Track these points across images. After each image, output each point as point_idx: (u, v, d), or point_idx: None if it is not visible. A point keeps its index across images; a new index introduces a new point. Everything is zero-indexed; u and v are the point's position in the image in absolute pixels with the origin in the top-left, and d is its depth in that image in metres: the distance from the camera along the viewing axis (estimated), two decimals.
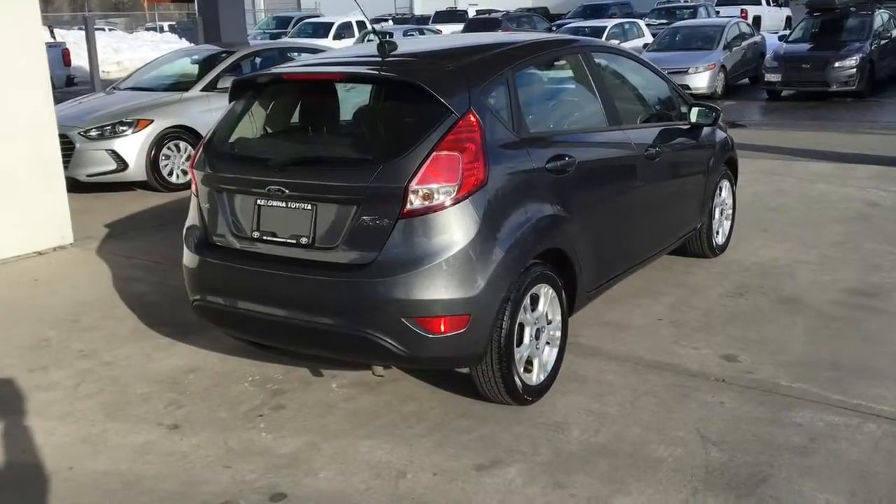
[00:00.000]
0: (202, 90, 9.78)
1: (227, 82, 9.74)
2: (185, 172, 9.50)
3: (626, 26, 20.54)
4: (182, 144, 9.46)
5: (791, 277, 5.71)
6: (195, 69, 10.75)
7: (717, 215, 6.02)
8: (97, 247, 7.17)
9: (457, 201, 3.55)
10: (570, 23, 24.74)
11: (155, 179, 9.26)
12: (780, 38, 18.59)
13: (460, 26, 26.49)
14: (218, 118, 4.29)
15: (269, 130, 4.24)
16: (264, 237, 3.86)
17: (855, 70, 15.96)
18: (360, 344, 3.64)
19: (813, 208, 7.62)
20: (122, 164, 9.08)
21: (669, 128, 5.25)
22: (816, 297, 5.31)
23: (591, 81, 4.61)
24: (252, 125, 4.22)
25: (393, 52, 3.98)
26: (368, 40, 22.51)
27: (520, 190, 3.82)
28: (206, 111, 9.63)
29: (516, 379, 3.83)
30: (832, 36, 17.35)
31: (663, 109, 5.36)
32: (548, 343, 4.07)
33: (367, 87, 4.04)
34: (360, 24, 24.94)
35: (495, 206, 3.66)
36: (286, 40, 19.01)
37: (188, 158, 9.52)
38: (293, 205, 3.77)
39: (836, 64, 16.05)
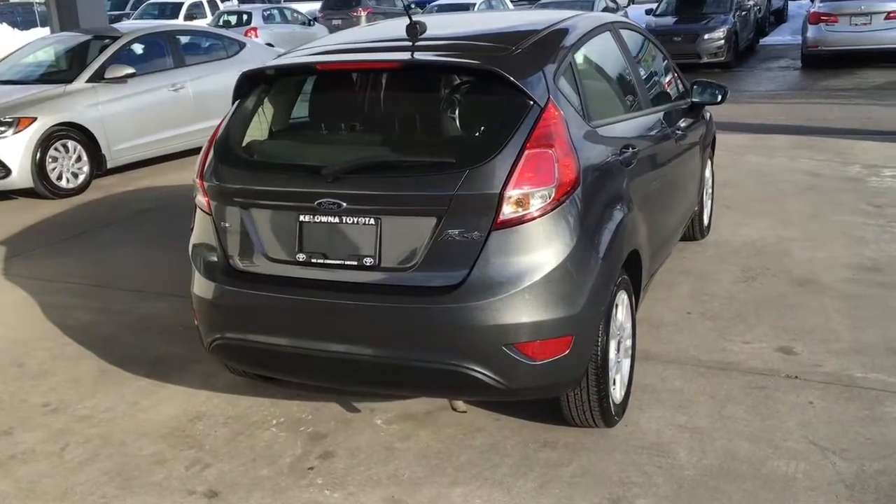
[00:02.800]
0: (88, 81, 8.67)
1: (115, 71, 8.77)
2: (75, 175, 8.40)
3: (493, 2, 20.35)
4: (71, 144, 8.36)
5: (788, 257, 5.59)
6: (68, 58, 9.57)
7: (703, 195, 5.82)
8: (2, 270, 6.14)
9: (553, 206, 3.07)
10: None
11: (43, 186, 8.13)
12: (648, 13, 18.93)
13: (317, 4, 25.50)
14: (226, 119, 3.58)
15: (305, 133, 3.59)
16: (312, 259, 3.24)
17: (723, 42, 16.47)
18: (449, 379, 3.11)
19: (762, 182, 7.60)
20: (4, 171, 7.91)
21: (681, 107, 4.96)
22: (827, 277, 5.19)
23: (625, 62, 4.23)
24: (277, 127, 3.55)
25: (424, 35, 3.44)
26: (225, 21, 21.20)
27: (604, 188, 3.38)
28: (94, 105, 8.60)
29: (610, 398, 3.42)
30: (695, 9, 17.87)
31: (673, 88, 5.06)
32: (623, 354, 3.68)
33: (421, 77, 3.45)
34: (212, 4, 23.45)
35: (588, 208, 3.21)
36: (173, 23, 17.53)
37: (78, 160, 8.43)
38: (350, 220, 3.16)
39: (706, 36, 16.50)
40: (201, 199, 3.50)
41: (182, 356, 4.53)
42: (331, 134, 3.54)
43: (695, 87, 5.12)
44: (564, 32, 3.70)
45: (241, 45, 10.35)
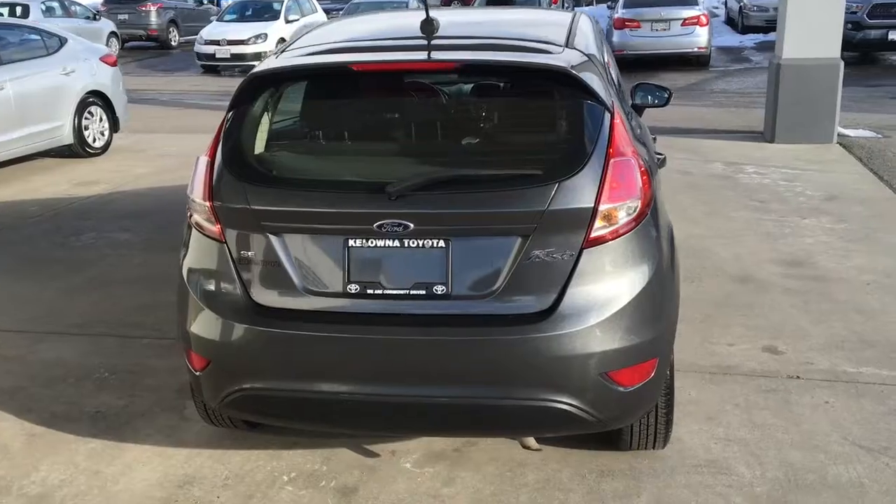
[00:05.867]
0: None
1: None
2: None
3: (301, 1, 19.72)
4: None
5: (714, 255, 5.70)
6: None
7: None
8: None
9: (639, 219, 2.83)
10: None
11: None
12: None
13: None
14: (228, 129, 2.98)
15: (346, 144, 3.06)
16: (367, 290, 2.78)
17: None
18: (537, 415, 2.79)
19: None
20: None
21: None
22: (761, 273, 5.34)
23: (614, 62, 4.06)
24: (307, 138, 3.03)
25: (441, 34, 3.06)
26: None
27: (659, 198, 3.19)
28: None
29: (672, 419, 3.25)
30: None
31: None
32: None
33: (479, 79, 3.05)
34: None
35: (660, 220, 3.01)
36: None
37: None
38: (414, 243, 2.75)
39: None
40: (208, 225, 2.91)
41: (124, 407, 3.84)
42: (379, 145, 3.05)
43: (638, 89, 5.06)
44: (585, 32, 3.46)
45: (63, 41, 9.18)
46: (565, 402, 2.75)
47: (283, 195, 2.82)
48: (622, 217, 2.78)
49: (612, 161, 2.78)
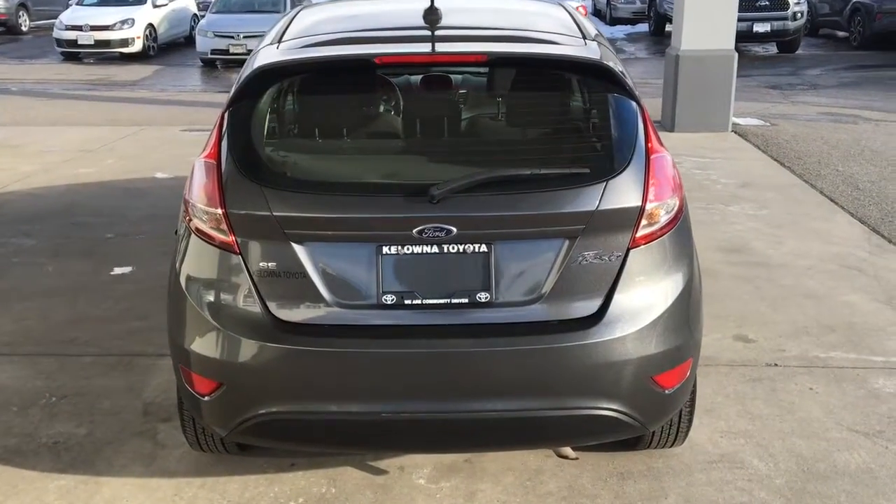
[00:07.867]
0: None
1: None
2: None
3: None
4: None
5: None
6: None
7: None
8: None
9: (677, 217, 2.76)
10: None
11: None
12: None
13: None
14: (233, 129, 2.67)
15: (374, 144, 2.79)
16: (405, 301, 2.58)
17: None
18: (584, 425, 2.68)
19: None
20: None
21: None
22: (706, 261, 5.30)
23: None
24: (327, 137, 2.74)
25: (447, 24, 2.90)
26: None
27: None
28: None
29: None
30: None
31: None
32: None
33: (509, 73, 2.85)
34: None
35: (689, 218, 2.95)
36: None
37: None
38: (455, 248, 2.57)
39: None
40: (218, 234, 2.62)
41: (86, 436, 3.46)
42: (408, 144, 2.81)
43: None
44: (586, 24, 3.34)
45: None
46: (614, 409, 2.65)
47: (310, 200, 2.57)
48: (663, 216, 2.71)
49: (651, 157, 2.70)
